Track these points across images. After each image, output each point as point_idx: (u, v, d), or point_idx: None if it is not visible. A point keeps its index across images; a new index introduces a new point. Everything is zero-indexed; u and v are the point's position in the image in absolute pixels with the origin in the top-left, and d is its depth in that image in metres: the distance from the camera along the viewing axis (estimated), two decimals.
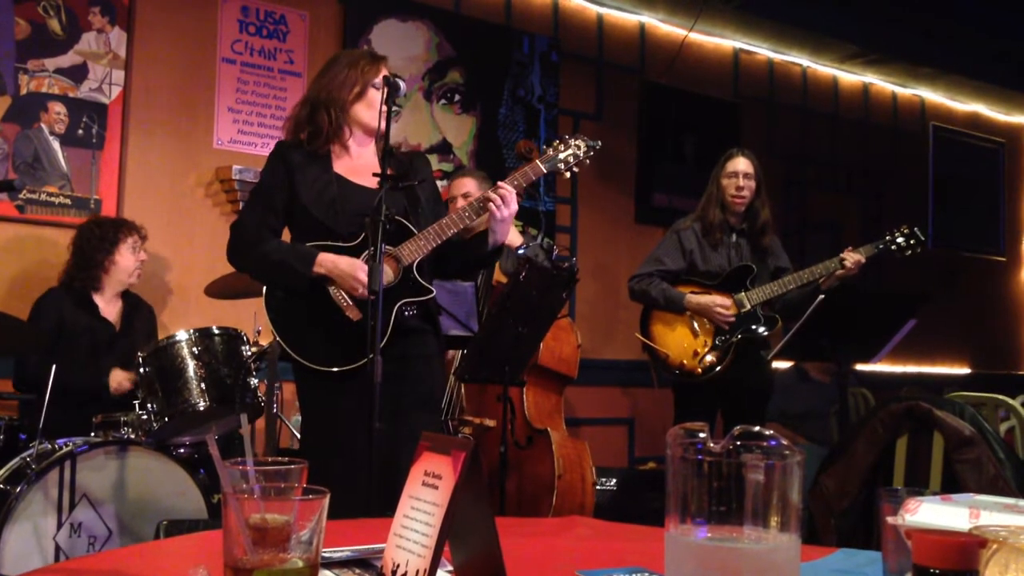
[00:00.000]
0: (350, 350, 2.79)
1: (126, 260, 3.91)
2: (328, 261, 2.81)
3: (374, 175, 2.77)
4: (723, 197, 4.30)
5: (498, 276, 4.31)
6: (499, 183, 2.93)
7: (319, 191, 2.90)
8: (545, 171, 3.05)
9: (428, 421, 2.92)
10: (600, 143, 3.18)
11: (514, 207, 2.90)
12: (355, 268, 2.79)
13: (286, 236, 3.02)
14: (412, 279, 2.87)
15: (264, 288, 2.95)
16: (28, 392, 3.70)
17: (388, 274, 2.82)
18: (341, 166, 2.96)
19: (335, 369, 2.82)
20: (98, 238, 3.91)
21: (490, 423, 4.01)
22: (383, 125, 2.80)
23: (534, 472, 4.02)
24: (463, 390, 4.18)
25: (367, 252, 2.80)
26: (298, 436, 4.06)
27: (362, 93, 2.94)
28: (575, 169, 3.10)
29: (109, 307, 3.96)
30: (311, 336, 2.87)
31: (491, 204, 2.87)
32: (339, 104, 2.94)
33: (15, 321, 3.34)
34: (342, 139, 2.98)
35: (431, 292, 2.89)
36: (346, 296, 2.84)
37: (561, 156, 3.06)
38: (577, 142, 3.09)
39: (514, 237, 4.24)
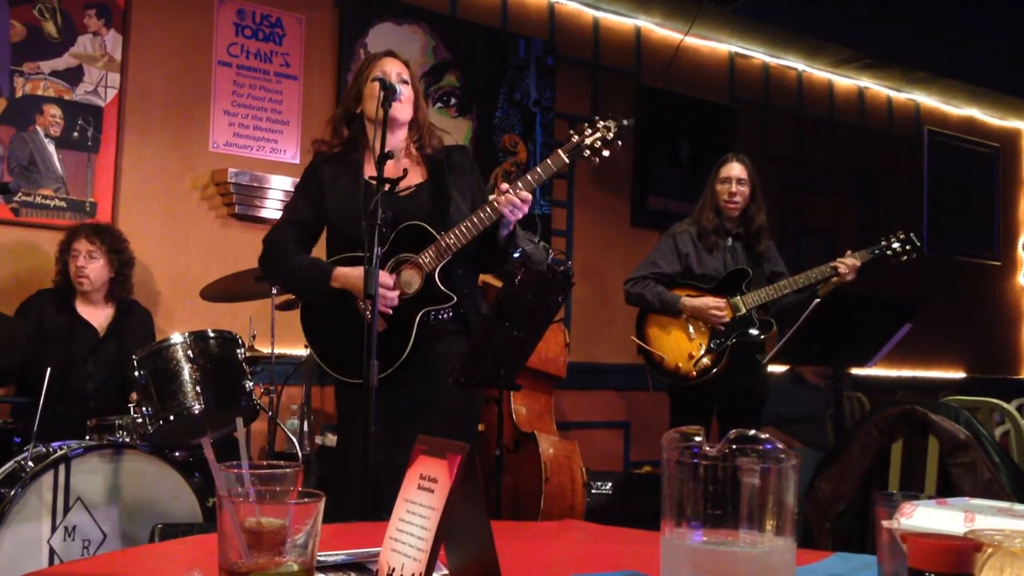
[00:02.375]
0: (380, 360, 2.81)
1: (71, 268, 3.89)
2: (341, 275, 2.87)
3: (371, 178, 2.76)
4: (717, 202, 4.30)
5: (485, 276, 4.31)
6: (511, 191, 2.84)
7: (346, 201, 2.93)
8: (568, 161, 2.88)
9: (456, 426, 2.91)
10: (633, 121, 2.94)
11: (526, 209, 2.87)
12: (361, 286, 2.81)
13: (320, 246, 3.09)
14: (434, 286, 2.87)
15: (300, 304, 3.07)
16: (6, 387, 3.74)
17: (416, 281, 2.85)
18: (372, 171, 2.96)
19: (358, 380, 2.84)
20: (60, 246, 3.95)
21: (479, 427, 4.01)
22: (379, 128, 2.79)
23: (522, 476, 4.02)
24: None
25: (392, 260, 2.87)
26: (294, 440, 4.07)
27: (360, 91, 2.98)
28: (605, 153, 2.90)
29: (94, 313, 3.95)
30: (341, 349, 2.91)
31: (504, 209, 2.83)
32: (349, 109, 3.00)
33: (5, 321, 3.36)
34: (367, 142, 2.99)
35: (452, 299, 2.89)
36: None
37: (587, 142, 2.90)
38: (606, 123, 2.91)
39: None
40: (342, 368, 2.93)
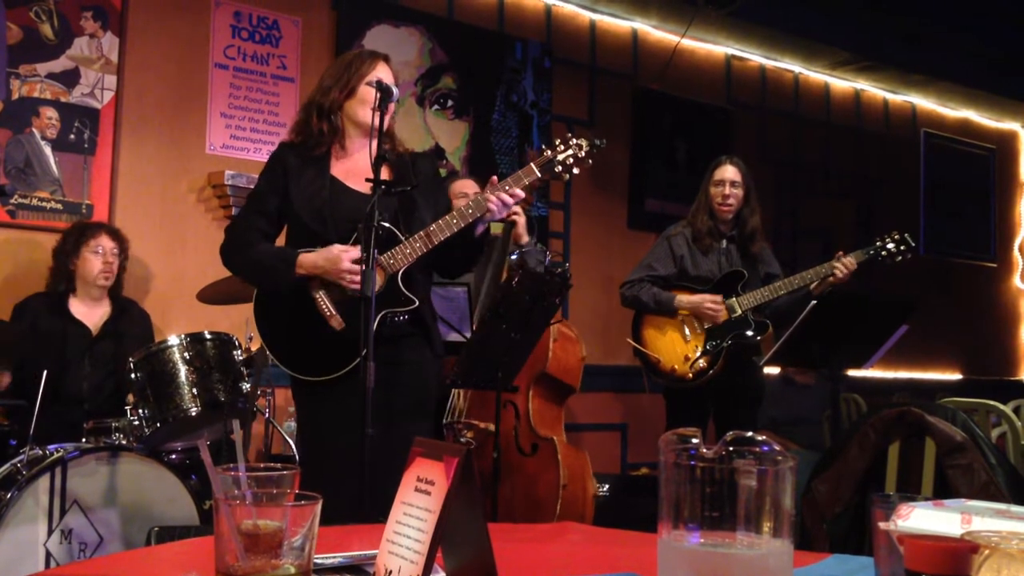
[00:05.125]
0: (335, 358, 2.79)
1: (89, 263, 3.89)
2: (307, 261, 2.82)
3: (367, 180, 2.77)
4: (711, 204, 4.31)
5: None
6: (487, 192, 2.87)
7: (311, 195, 2.89)
8: (540, 175, 2.93)
9: (418, 427, 2.90)
10: (605, 141, 3.02)
11: (510, 210, 2.89)
12: (335, 260, 2.78)
13: (282, 239, 3.03)
14: (397, 288, 2.85)
15: (253, 297, 2.97)
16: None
17: (377, 281, 2.80)
18: (339, 168, 2.95)
19: (320, 378, 2.82)
20: (64, 241, 3.95)
21: (493, 427, 4.00)
22: (376, 126, 2.79)
23: (538, 480, 4.01)
24: (469, 393, 4.17)
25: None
26: (291, 442, 4.06)
27: (354, 90, 2.92)
28: (575, 171, 2.96)
29: (89, 311, 3.94)
30: (298, 345, 2.88)
31: (490, 206, 2.83)
32: (332, 104, 2.93)
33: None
34: (340, 140, 2.96)
35: (414, 303, 2.85)
36: (330, 305, 2.83)
37: (559, 158, 2.94)
38: (579, 141, 2.96)
39: (521, 232, 4.25)
40: (298, 365, 2.88)
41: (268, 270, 2.88)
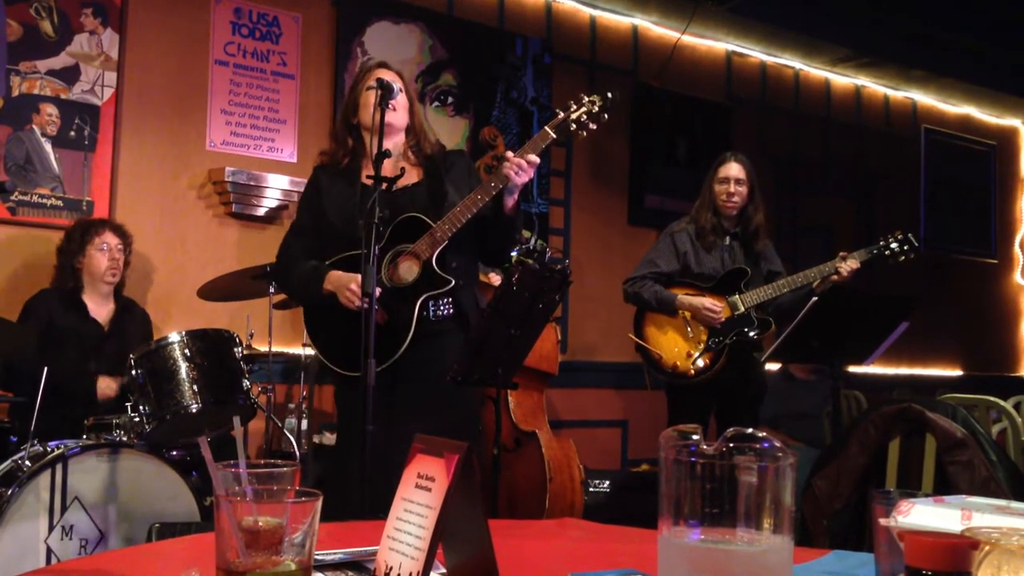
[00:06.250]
0: (377, 352, 2.84)
1: (95, 261, 3.89)
2: (334, 278, 2.94)
3: (368, 177, 2.79)
4: (715, 201, 4.30)
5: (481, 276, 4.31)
6: (508, 154, 2.92)
7: (342, 201, 3.00)
8: (555, 137, 2.97)
9: (455, 424, 2.92)
10: (619, 95, 3.05)
11: (532, 172, 2.92)
12: (347, 280, 2.88)
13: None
14: (432, 272, 2.91)
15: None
16: (15, 392, 3.69)
17: (413, 271, 2.90)
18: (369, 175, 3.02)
19: (357, 374, 2.87)
20: (68, 240, 3.95)
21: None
22: (378, 123, 2.83)
23: (524, 476, 4.01)
24: None
25: (390, 253, 2.91)
26: (291, 438, 4.07)
27: (357, 100, 3.06)
28: (592, 126, 2.99)
29: (99, 308, 3.95)
30: (341, 343, 2.96)
31: (509, 173, 2.87)
32: (346, 121, 3.09)
33: (3, 322, 3.34)
34: (365, 151, 3.06)
35: (450, 282, 2.92)
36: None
37: (573, 117, 2.98)
38: (592, 98, 3.00)
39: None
40: (342, 362, 2.97)
41: (303, 286, 3.06)
